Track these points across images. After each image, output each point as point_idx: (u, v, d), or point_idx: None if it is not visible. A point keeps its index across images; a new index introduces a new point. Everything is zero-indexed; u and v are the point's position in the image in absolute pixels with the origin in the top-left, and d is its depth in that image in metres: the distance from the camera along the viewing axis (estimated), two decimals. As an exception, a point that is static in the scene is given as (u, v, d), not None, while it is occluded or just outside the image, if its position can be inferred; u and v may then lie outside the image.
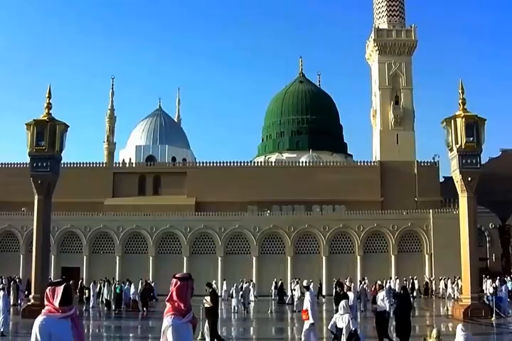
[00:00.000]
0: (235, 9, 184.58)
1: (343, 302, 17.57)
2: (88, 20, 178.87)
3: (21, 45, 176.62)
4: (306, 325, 17.31)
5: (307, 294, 18.14)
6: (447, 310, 34.96)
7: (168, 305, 5.98)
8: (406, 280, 49.32)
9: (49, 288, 5.90)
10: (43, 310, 5.86)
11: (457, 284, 47.82)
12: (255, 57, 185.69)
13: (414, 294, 44.22)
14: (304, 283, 20.06)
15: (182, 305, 5.90)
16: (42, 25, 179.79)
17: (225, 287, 47.19)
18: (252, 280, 49.93)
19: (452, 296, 47.55)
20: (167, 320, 5.86)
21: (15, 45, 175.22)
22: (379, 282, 45.39)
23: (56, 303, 5.78)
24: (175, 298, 5.93)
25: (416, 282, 47.14)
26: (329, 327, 17.74)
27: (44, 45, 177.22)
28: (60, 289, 5.83)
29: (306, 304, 17.71)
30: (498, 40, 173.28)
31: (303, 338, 17.38)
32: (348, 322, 16.62)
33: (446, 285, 50.14)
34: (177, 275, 6.08)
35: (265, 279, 52.41)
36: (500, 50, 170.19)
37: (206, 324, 18.03)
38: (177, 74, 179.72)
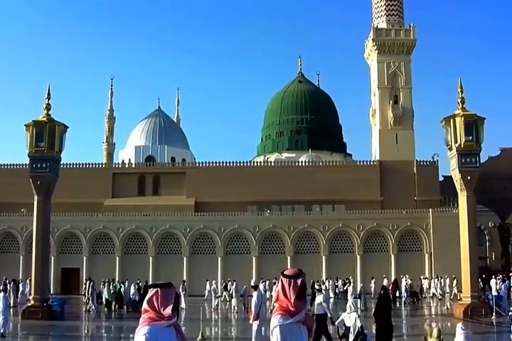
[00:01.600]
0: (234, 9, 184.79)
1: (350, 302, 17.69)
2: (87, 20, 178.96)
3: (20, 45, 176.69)
4: (255, 326, 17.14)
5: (254, 294, 17.74)
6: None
7: (276, 305, 5.53)
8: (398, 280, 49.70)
9: (156, 290, 5.13)
10: (144, 318, 5.12)
11: (440, 283, 47.92)
12: (254, 57, 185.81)
13: (399, 294, 44.04)
14: (252, 283, 19.60)
15: (289, 305, 5.39)
16: (41, 25, 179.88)
17: (207, 287, 46.81)
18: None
19: (437, 296, 47.87)
20: (273, 320, 5.45)
21: (14, 45, 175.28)
22: (386, 281, 46.04)
23: (168, 311, 5.06)
24: (281, 297, 5.47)
25: (403, 281, 47.06)
26: (337, 323, 17.87)
27: (43, 46, 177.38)
28: (168, 293, 5.15)
29: (253, 304, 17.46)
30: (496, 39, 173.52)
31: (253, 338, 17.26)
32: (355, 320, 16.72)
33: (429, 285, 50.48)
34: (285, 273, 5.51)
35: (265, 279, 52.39)
36: (499, 49, 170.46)
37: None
38: (176, 74, 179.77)
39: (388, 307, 18.91)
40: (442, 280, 49.22)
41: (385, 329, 18.10)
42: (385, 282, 50.05)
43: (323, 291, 20.11)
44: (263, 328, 17.01)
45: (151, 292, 5.14)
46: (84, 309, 37.83)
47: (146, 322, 5.06)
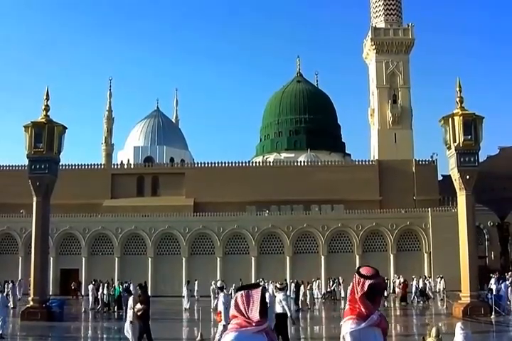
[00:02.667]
0: (233, 9, 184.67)
1: None
2: (86, 20, 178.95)
3: (19, 46, 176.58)
4: (220, 327, 17.12)
5: (221, 295, 17.71)
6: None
7: (347, 307, 5.07)
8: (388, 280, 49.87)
9: (241, 293, 4.69)
10: (233, 324, 4.68)
11: (429, 283, 47.90)
12: (253, 57, 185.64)
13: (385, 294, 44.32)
14: (218, 284, 19.52)
15: (363, 308, 4.92)
16: (40, 25, 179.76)
17: (196, 287, 46.66)
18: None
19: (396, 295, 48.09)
20: (344, 326, 5.00)
21: (13, 45, 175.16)
22: (399, 280, 46.11)
23: (255, 314, 4.59)
24: (352, 297, 4.99)
25: (414, 281, 47.24)
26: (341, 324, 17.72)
27: (42, 46, 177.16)
28: (257, 295, 4.64)
29: (220, 306, 17.41)
30: (495, 38, 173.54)
31: (216, 339, 17.25)
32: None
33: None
34: (362, 272, 5.00)
35: (264, 279, 52.36)
36: (497, 48, 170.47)
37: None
38: (174, 74, 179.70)
39: None
40: (431, 279, 49.36)
41: None
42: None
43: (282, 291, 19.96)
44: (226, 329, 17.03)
45: (237, 295, 4.69)
46: (83, 310, 37.82)
47: (234, 328, 4.63)
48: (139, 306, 18.33)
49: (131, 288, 38.32)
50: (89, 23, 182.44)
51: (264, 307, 4.62)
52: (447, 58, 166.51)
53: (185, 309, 37.56)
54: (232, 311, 4.70)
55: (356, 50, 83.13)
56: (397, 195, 63.72)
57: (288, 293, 31.43)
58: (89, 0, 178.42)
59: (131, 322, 18.03)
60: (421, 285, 45.81)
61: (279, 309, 18.18)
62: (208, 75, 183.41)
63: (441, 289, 46.85)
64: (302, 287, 40.19)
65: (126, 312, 18.52)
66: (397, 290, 47.07)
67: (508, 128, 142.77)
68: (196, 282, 47.54)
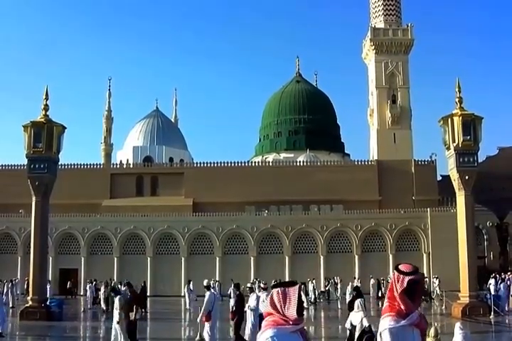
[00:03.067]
0: (232, 9, 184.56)
1: (358, 301, 17.75)
2: (85, 20, 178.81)
3: (18, 46, 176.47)
4: (206, 326, 17.09)
5: (206, 294, 17.58)
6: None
7: (386, 304, 4.91)
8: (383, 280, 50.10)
9: (277, 290, 4.56)
10: (267, 321, 4.56)
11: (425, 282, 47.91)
12: (252, 57, 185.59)
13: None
14: (204, 283, 19.45)
15: (402, 305, 4.76)
16: (39, 25, 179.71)
17: (191, 287, 46.52)
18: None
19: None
20: (382, 322, 4.86)
21: (12, 45, 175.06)
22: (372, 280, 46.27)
23: (292, 312, 4.46)
24: (396, 296, 4.81)
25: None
26: (346, 326, 17.89)
27: (41, 46, 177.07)
28: (293, 292, 4.52)
29: (204, 305, 17.37)
30: (494, 38, 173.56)
31: (206, 339, 17.18)
32: (361, 320, 16.77)
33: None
34: (401, 269, 4.86)
35: (263, 279, 52.31)
36: (497, 48, 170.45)
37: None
38: (174, 74, 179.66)
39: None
40: (427, 279, 49.26)
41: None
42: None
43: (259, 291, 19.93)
44: (214, 330, 16.99)
45: (273, 292, 4.57)
46: (82, 310, 37.83)
47: (270, 325, 4.48)
48: (132, 314, 18.36)
49: (121, 287, 38.33)
50: (89, 22, 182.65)
51: (301, 306, 4.50)
52: (446, 58, 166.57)
53: (187, 309, 37.48)
54: (268, 308, 4.59)
55: (355, 51, 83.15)
56: (396, 195, 63.75)
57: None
58: (89, 0, 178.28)
59: (117, 322, 17.97)
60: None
61: (263, 309, 18.13)
62: (207, 75, 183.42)
63: (437, 289, 46.77)
64: None
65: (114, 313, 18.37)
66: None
67: (507, 128, 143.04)
68: (191, 282, 47.70)
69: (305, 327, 4.62)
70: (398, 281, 4.80)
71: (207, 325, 17.17)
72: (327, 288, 47.23)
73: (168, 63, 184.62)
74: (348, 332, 18.46)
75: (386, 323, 4.80)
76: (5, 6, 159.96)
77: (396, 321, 4.76)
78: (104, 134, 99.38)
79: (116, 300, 18.56)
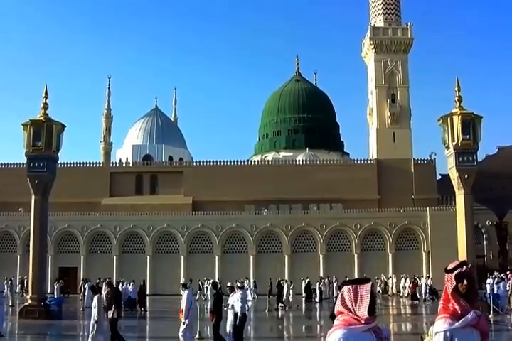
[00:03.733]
0: (231, 8, 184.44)
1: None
2: (84, 19, 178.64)
3: (18, 45, 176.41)
4: (183, 325, 17.05)
5: (185, 293, 17.51)
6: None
7: (440, 306, 4.71)
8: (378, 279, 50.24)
9: (348, 288, 4.39)
10: (338, 320, 4.38)
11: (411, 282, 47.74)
12: (251, 56, 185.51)
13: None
14: (182, 281, 19.37)
15: (457, 306, 4.54)
16: (38, 24, 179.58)
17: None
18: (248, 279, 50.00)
19: (401, 294, 48.69)
20: (437, 325, 4.64)
21: (11, 44, 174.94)
22: (407, 279, 46.35)
23: (364, 311, 4.29)
24: (450, 297, 4.60)
25: (423, 280, 47.47)
26: None
27: (40, 45, 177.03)
28: (366, 290, 4.35)
29: (183, 303, 17.33)
30: (494, 37, 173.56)
31: (181, 339, 17.15)
32: None
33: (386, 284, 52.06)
34: (447, 268, 4.67)
35: (263, 278, 52.38)
36: (496, 47, 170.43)
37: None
38: (173, 73, 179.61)
39: None
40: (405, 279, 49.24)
41: None
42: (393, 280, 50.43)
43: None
44: (191, 329, 16.96)
45: (344, 290, 4.40)
46: (81, 308, 37.79)
47: (341, 325, 4.30)
48: (110, 312, 18.35)
49: (120, 286, 38.36)
50: (88, 22, 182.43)
51: (374, 304, 4.34)
52: (446, 58, 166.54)
53: (192, 308, 37.36)
54: (339, 307, 4.41)
55: (355, 50, 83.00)
56: (395, 194, 63.76)
57: (250, 292, 32.11)
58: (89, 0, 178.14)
59: (96, 321, 17.96)
60: (423, 283, 46.09)
61: (238, 308, 18.30)
62: (206, 74, 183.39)
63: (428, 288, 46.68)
64: (286, 286, 40.15)
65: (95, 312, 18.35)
66: (401, 289, 48.49)
67: (507, 127, 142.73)
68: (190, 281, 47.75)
69: (379, 325, 4.45)
70: (448, 280, 4.62)
71: (183, 324, 17.08)
72: (319, 287, 47.02)
73: (167, 62, 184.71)
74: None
75: (440, 326, 4.60)
76: (5, 6, 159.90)
77: (450, 323, 4.54)
78: (104, 133, 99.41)
79: (95, 298, 18.62)
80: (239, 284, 19.26)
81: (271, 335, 26.87)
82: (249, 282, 46.85)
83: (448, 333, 4.50)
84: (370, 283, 4.40)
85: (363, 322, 4.27)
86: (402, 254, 56.39)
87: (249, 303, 28.52)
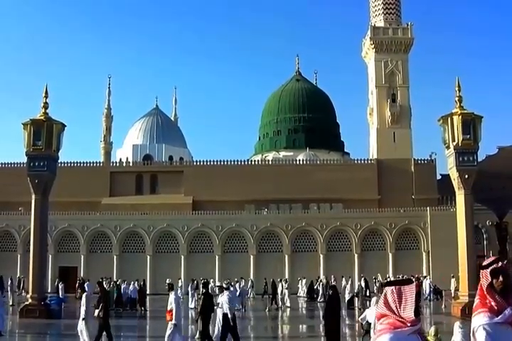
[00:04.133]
0: (231, 8, 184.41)
1: (374, 298, 17.99)
2: (85, 19, 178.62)
3: (18, 44, 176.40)
4: (170, 326, 16.99)
5: (171, 294, 17.32)
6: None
7: (477, 301, 4.56)
8: (375, 278, 50.08)
9: (391, 289, 4.21)
10: (382, 324, 4.23)
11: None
12: (252, 55, 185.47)
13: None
14: (167, 281, 19.37)
15: (493, 302, 4.40)
16: (39, 24, 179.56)
17: (180, 284, 46.80)
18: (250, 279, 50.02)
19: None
20: (477, 319, 4.48)
21: (12, 44, 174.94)
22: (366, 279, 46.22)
23: (409, 313, 4.13)
24: (486, 293, 4.46)
25: (427, 280, 47.37)
26: (360, 319, 18.28)
27: (40, 44, 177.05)
28: (410, 291, 4.18)
29: (171, 304, 17.23)
30: (495, 37, 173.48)
31: (166, 339, 17.14)
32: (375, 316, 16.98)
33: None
34: (484, 263, 4.52)
35: (263, 278, 52.43)
36: (497, 47, 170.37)
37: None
38: (174, 73, 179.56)
39: (338, 307, 18.46)
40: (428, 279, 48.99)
41: (334, 330, 17.74)
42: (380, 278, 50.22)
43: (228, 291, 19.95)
44: (178, 330, 16.93)
45: (387, 291, 4.22)
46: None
47: (386, 329, 4.12)
48: (97, 311, 18.47)
49: (132, 286, 38.41)
50: (89, 21, 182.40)
51: (418, 306, 4.17)
52: (446, 57, 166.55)
53: (191, 308, 37.36)
54: (382, 309, 4.24)
55: (355, 49, 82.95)
56: (395, 194, 63.78)
57: (237, 293, 32.39)
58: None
59: (83, 319, 18.04)
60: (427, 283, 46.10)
61: (226, 309, 18.37)
62: (207, 74, 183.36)
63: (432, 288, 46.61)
64: (280, 286, 40.07)
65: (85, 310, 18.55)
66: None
67: (507, 127, 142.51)
68: (180, 280, 48.23)
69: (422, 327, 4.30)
70: (483, 276, 4.46)
71: (170, 324, 17.01)
72: (315, 287, 46.92)
73: (167, 62, 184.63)
74: (361, 326, 18.70)
75: (480, 319, 4.41)
76: (5, 5, 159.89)
77: (490, 317, 4.38)
78: (104, 132, 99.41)
79: (83, 297, 18.81)
80: (224, 285, 19.29)
81: (259, 335, 26.86)
82: (243, 282, 46.11)
83: (490, 326, 4.37)
84: (414, 283, 4.26)
85: (408, 324, 4.12)
86: (402, 254, 56.43)
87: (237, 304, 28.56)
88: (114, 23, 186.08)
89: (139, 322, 32.57)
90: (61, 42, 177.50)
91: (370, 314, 17.68)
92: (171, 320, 16.90)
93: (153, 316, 34.32)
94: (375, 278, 50.53)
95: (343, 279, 46.63)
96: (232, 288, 37.39)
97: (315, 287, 46.75)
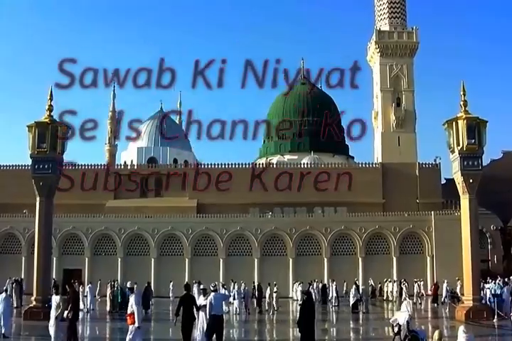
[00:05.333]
0: (237, 11, 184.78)
1: (405, 302, 19.33)
2: (89, 21, 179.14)
3: (22, 46, 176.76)
4: (132, 329, 16.78)
5: (132, 297, 17.09)
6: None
7: None
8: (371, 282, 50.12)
9: None
10: None
11: (406, 287, 47.20)
12: (257, 59, 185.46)
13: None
14: (128, 285, 19.20)
15: None
16: (43, 26, 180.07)
17: (171, 287, 46.69)
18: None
19: (390, 299, 48.89)
20: None
21: (16, 45, 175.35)
22: (421, 282, 46.11)
23: None
24: None
25: (444, 284, 47.10)
26: (391, 321, 19.43)
27: (44, 46, 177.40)
28: None
29: (131, 307, 16.81)
30: (499, 41, 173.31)
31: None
32: (405, 320, 18.12)
33: (381, 288, 52.13)
34: None
35: (267, 281, 52.29)
36: (502, 51, 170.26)
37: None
38: (179, 76, 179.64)
39: (312, 312, 18.26)
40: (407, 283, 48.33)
41: (309, 336, 17.71)
42: (394, 285, 50.26)
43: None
44: (139, 332, 16.82)
45: None
46: (86, 310, 37.80)
47: None
48: (65, 313, 18.66)
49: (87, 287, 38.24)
50: (93, 24, 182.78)
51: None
52: (451, 62, 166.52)
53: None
54: None
55: (360, 53, 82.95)
56: (400, 198, 63.66)
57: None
58: (94, 1, 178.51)
59: (56, 317, 18.27)
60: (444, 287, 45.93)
61: (216, 311, 18.34)
62: (212, 76, 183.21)
63: (419, 292, 46.17)
64: (268, 289, 39.84)
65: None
66: (388, 294, 49.30)
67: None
68: (171, 283, 48.36)
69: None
70: None
71: (131, 327, 16.81)
72: (306, 291, 46.40)
73: (172, 65, 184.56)
74: (392, 328, 19.51)
75: None
76: (5, 5, 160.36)
77: None
78: (109, 135, 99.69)
79: (57, 298, 18.96)
80: (212, 287, 19.27)
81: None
82: (243, 285, 45.52)
83: None
84: None
85: None
86: (406, 258, 56.34)
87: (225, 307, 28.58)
88: (118, 26, 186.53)
89: (143, 324, 32.47)
90: (65, 44, 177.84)
91: (400, 316, 18.28)
92: (132, 323, 16.58)
93: (157, 319, 34.33)
94: (380, 282, 50.31)
95: (345, 284, 46.84)
96: (225, 291, 37.58)
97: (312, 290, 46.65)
